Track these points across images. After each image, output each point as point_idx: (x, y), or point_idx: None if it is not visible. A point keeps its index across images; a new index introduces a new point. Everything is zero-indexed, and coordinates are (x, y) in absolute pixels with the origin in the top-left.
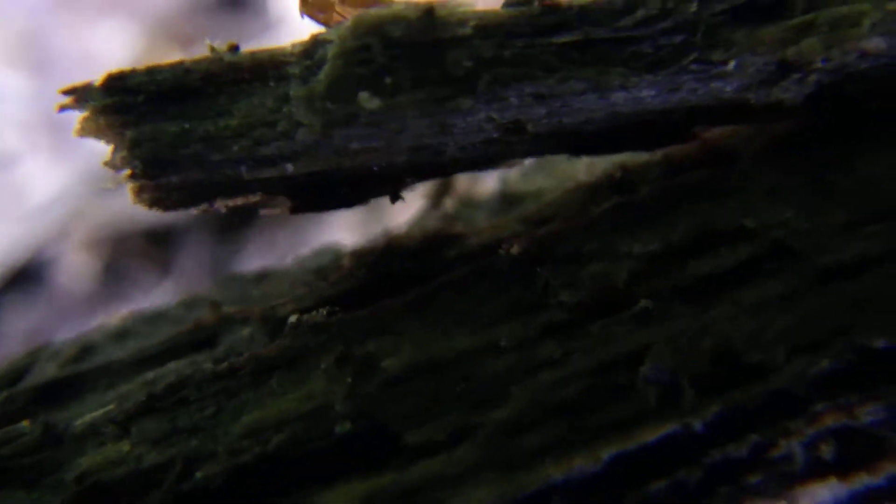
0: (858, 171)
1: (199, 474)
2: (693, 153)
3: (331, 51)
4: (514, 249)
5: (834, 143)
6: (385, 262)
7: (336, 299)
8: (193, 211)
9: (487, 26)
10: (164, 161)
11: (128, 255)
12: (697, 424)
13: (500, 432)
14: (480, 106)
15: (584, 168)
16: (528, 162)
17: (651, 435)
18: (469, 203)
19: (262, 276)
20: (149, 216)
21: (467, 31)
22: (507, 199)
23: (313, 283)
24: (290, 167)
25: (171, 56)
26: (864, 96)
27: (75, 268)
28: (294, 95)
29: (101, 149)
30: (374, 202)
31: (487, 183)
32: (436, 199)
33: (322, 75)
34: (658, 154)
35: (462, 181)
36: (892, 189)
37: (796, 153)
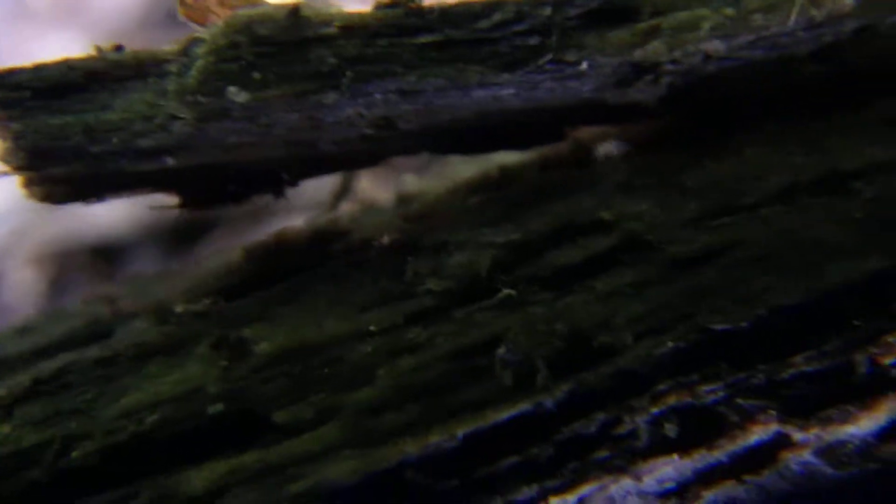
0: (707, 170)
1: (75, 453)
2: (566, 153)
3: (203, 48)
4: (386, 241)
5: (687, 142)
6: (272, 256)
7: (221, 291)
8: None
9: (352, 27)
10: (47, 153)
11: (74, 271)
12: (549, 403)
13: (363, 412)
14: (346, 101)
15: (474, 170)
16: (425, 166)
17: (505, 413)
18: (368, 205)
19: (164, 275)
20: (95, 232)
21: (332, 30)
22: (402, 200)
23: (206, 278)
24: (169, 160)
25: None
26: (714, 98)
27: (21, 285)
28: (169, 90)
29: None
30: None
31: (388, 186)
32: (334, 201)
33: (194, 71)
34: (534, 154)
35: (364, 186)
36: (736, 187)
37: (654, 151)
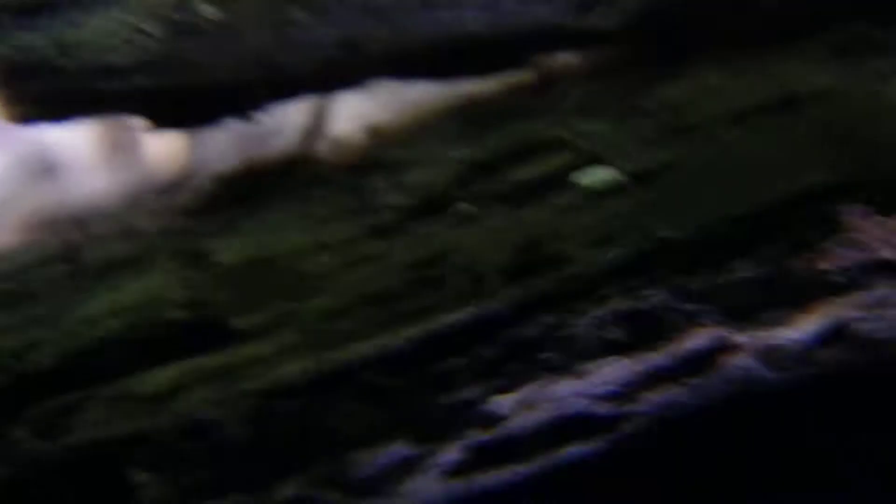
0: (663, 93)
1: (33, 356)
2: (530, 81)
3: None
4: (348, 159)
5: (646, 68)
6: (244, 180)
7: (189, 211)
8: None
9: None
10: (22, 70)
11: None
12: (496, 307)
13: (320, 318)
14: (313, 18)
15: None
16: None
17: (453, 317)
18: (338, 139)
19: (137, 201)
20: (82, 201)
21: None
22: (373, 133)
23: (178, 201)
24: (139, 78)
25: None
26: (673, 24)
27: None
28: (139, 5)
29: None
30: None
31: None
32: (305, 137)
33: None
34: (498, 82)
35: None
36: (690, 108)
37: (613, 76)
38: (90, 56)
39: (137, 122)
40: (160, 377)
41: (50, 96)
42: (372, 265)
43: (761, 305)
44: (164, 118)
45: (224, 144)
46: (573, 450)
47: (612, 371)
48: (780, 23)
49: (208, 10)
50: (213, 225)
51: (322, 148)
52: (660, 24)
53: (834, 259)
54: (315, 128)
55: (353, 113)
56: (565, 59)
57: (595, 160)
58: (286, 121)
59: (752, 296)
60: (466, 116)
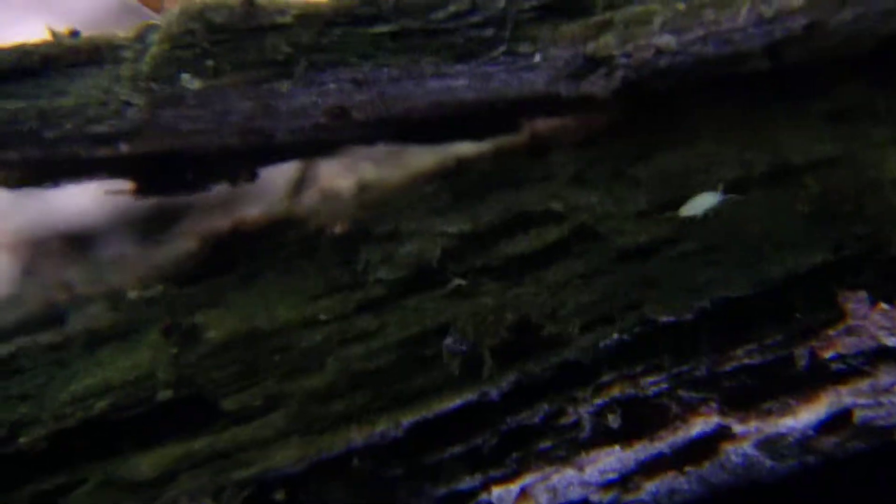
0: (658, 162)
1: (23, 438)
2: (522, 144)
3: (157, 35)
4: (338, 229)
5: (640, 134)
6: (228, 244)
7: (175, 277)
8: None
9: (307, 15)
10: (4, 138)
11: (48, 258)
12: (494, 393)
13: (312, 400)
14: (300, 89)
15: (432, 159)
16: (384, 155)
17: (450, 402)
18: (328, 194)
19: (122, 261)
20: (68, 219)
21: (287, 18)
22: (360, 189)
23: (161, 265)
24: (123, 146)
25: None
26: (667, 91)
27: None
28: (123, 76)
29: None
30: None
31: (349, 175)
32: (293, 189)
33: (148, 57)
34: (490, 145)
35: (324, 174)
36: (685, 180)
37: (606, 143)
38: (73, 125)
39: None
40: (151, 462)
41: (33, 164)
42: (364, 343)
43: (762, 393)
44: (149, 183)
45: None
46: None
47: (611, 460)
48: (776, 87)
49: (191, 81)
50: (200, 295)
51: (312, 210)
52: (654, 91)
53: (836, 346)
54: (305, 189)
55: (345, 176)
56: (560, 124)
57: (588, 235)
58: (275, 183)
59: (752, 383)
60: (459, 184)
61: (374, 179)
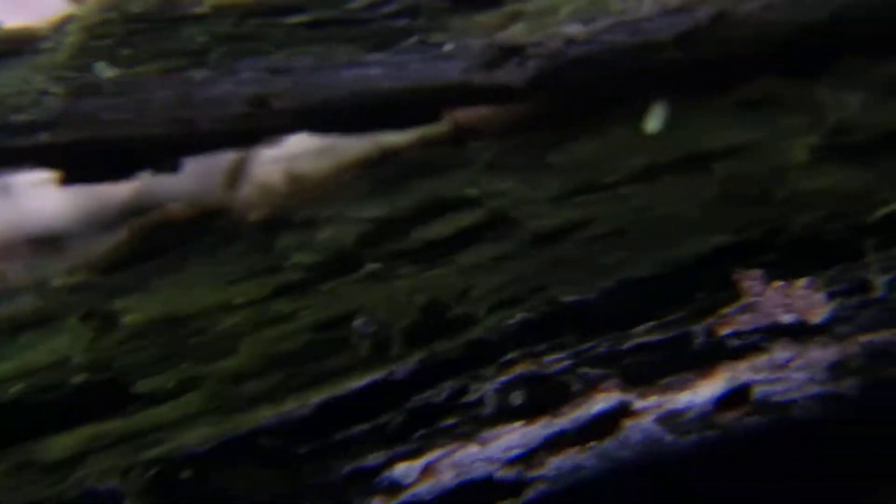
0: (572, 150)
1: None
2: (445, 133)
3: (75, 25)
4: (255, 216)
5: (555, 123)
6: (155, 233)
7: (102, 265)
8: None
9: (224, 6)
10: None
11: (16, 261)
12: (401, 372)
13: (225, 381)
14: (216, 77)
15: (362, 149)
16: (318, 145)
17: (357, 382)
18: (260, 185)
19: (59, 253)
20: (36, 222)
21: (204, 9)
22: (293, 180)
23: (91, 254)
24: (44, 136)
25: None
26: (581, 80)
27: None
28: (41, 66)
29: None
30: None
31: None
32: (227, 181)
33: (65, 47)
34: (415, 133)
35: (262, 166)
36: (598, 166)
37: (523, 132)
38: None
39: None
40: (62, 444)
41: None
42: (279, 326)
43: (661, 369)
44: (73, 172)
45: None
46: None
47: (515, 436)
48: (689, 76)
49: (106, 70)
50: (124, 282)
51: (238, 199)
52: (568, 80)
53: (733, 324)
54: (231, 179)
55: (270, 165)
56: (481, 113)
57: (502, 219)
58: (203, 171)
59: (652, 360)
60: (378, 172)
61: (306, 170)
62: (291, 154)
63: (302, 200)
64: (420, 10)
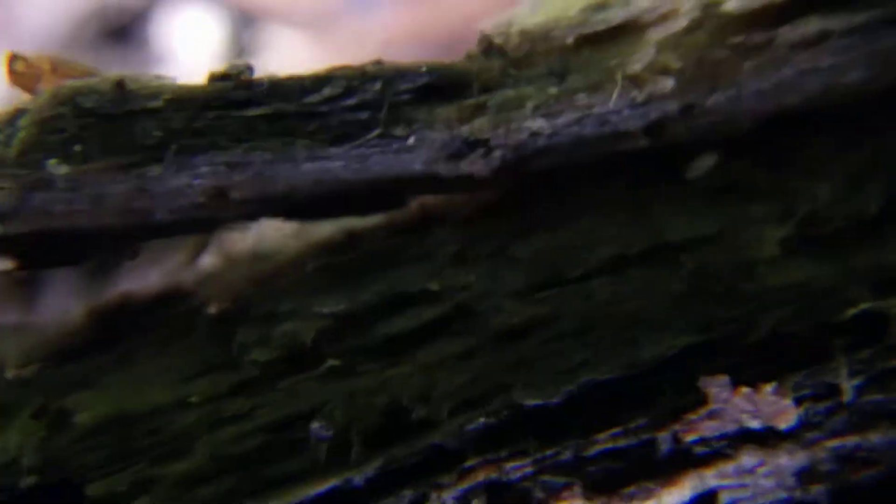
0: (539, 241)
1: None
2: (411, 219)
3: (26, 119)
4: (213, 309)
5: (521, 213)
6: (113, 318)
7: (57, 353)
8: None
9: (180, 99)
10: None
11: None
12: (358, 479)
13: (179, 484)
14: (172, 173)
15: (329, 230)
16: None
17: (313, 489)
18: (228, 259)
19: (20, 329)
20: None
21: (159, 103)
22: (257, 260)
23: (47, 338)
24: None
25: None
26: (549, 170)
27: None
28: None
29: None
30: None
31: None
32: (192, 253)
33: (16, 142)
34: (381, 218)
35: (230, 238)
36: (565, 258)
37: (489, 221)
38: None
39: None
40: None
41: None
42: (235, 426)
43: (625, 477)
44: (27, 261)
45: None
46: None
47: None
48: (657, 165)
49: (57, 167)
50: (76, 375)
51: (201, 283)
52: (535, 169)
53: (699, 430)
54: (190, 266)
55: (227, 253)
56: (448, 200)
57: (466, 314)
58: (162, 257)
59: (616, 467)
60: (341, 262)
61: (271, 249)
62: (260, 235)
63: (259, 287)
64: (382, 103)
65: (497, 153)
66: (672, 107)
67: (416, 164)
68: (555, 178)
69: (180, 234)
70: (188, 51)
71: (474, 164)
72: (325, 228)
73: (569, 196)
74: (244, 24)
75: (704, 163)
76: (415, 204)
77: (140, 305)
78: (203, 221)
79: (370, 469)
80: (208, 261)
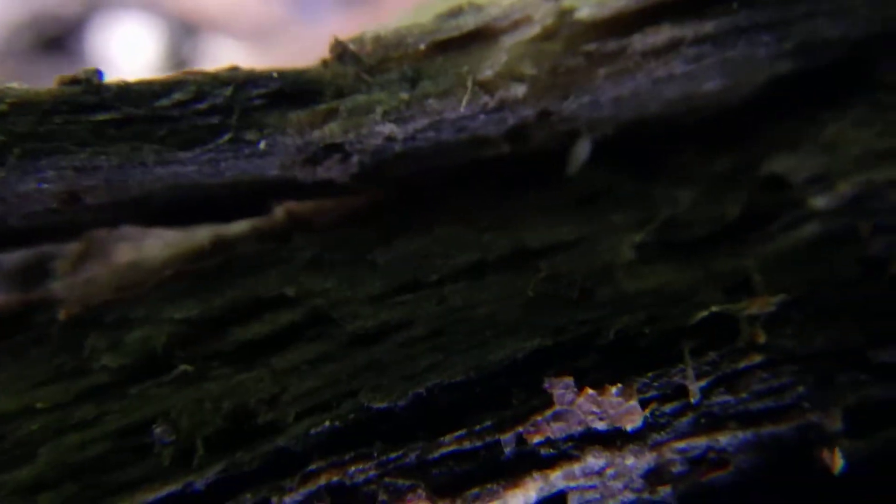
0: (398, 247)
1: None
2: (276, 225)
3: None
4: (63, 315)
5: (382, 218)
6: None
7: None
8: None
9: (26, 103)
10: None
11: None
12: (199, 484)
13: (20, 492)
14: (16, 178)
15: (201, 238)
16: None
17: (153, 495)
18: (108, 268)
19: None
20: None
21: (3, 107)
22: (132, 266)
23: None
24: None
25: None
26: (409, 175)
27: None
28: None
29: None
30: None
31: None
32: (73, 262)
33: None
34: (249, 224)
35: (118, 248)
36: (423, 264)
37: (349, 227)
38: None
39: None
40: None
41: None
42: (81, 432)
43: (470, 479)
44: None
45: None
46: None
47: None
48: (522, 171)
49: None
50: None
51: (67, 292)
52: (395, 175)
53: (545, 432)
54: (86, 264)
55: (109, 263)
56: (314, 206)
57: (321, 319)
58: (20, 266)
59: (461, 469)
60: (199, 269)
61: (147, 257)
62: (147, 244)
63: (119, 294)
64: (233, 107)
65: (355, 158)
66: (528, 112)
67: (271, 169)
68: (419, 184)
69: (43, 242)
70: (125, 61)
71: (332, 170)
72: (201, 235)
73: (433, 202)
74: (185, 35)
75: (581, 151)
76: (280, 210)
77: (4, 314)
78: (62, 228)
79: (211, 473)
80: (91, 270)
